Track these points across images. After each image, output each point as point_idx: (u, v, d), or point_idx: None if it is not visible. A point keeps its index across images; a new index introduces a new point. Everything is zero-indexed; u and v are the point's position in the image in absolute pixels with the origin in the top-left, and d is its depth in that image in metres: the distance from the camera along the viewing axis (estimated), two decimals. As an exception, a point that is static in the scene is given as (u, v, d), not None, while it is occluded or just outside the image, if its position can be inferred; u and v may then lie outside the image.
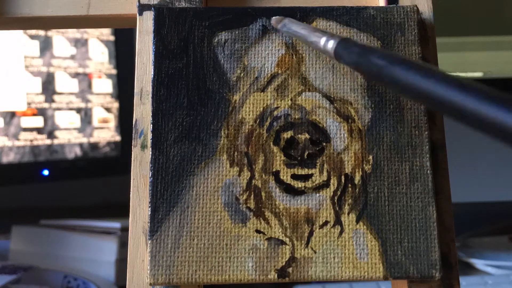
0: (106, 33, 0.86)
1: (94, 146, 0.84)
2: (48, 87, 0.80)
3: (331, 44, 0.28)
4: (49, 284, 0.61)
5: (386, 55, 0.22)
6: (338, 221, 0.32)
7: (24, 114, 0.78)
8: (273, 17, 0.34)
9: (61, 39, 0.82)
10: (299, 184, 0.32)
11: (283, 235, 0.32)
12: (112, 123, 0.86)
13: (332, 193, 0.32)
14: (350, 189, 0.32)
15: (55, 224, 0.72)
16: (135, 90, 0.34)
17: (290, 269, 0.31)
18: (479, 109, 0.17)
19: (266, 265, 0.31)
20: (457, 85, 0.18)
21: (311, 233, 0.32)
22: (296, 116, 0.33)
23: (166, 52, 0.34)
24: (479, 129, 0.17)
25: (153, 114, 0.33)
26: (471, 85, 0.18)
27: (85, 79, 0.84)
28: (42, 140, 0.79)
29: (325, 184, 0.32)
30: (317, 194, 0.32)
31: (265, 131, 0.33)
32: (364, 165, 0.33)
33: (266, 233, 0.32)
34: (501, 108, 0.16)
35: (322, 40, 0.30)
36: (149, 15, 0.35)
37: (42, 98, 0.79)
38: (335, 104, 0.33)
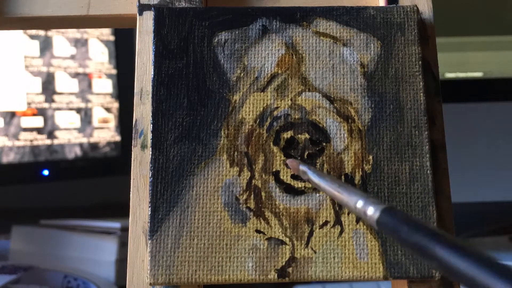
0: (106, 33, 0.86)
1: (94, 146, 0.84)
2: (48, 87, 0.80)
3: (371, 212, 0.24)
4: (49, 284, 0.61)
5: (435, 234, 0.21)
6: (338, 221, 0.32)
7: (24, 114, 0.78)
8: (289, 160, 0.32)
9: (61, 39, 0.82)
10: (299, 184, 0.32)
11: (283, 235, 0.32)
12: (112, 123, 0.86)
13: (332, 193, 0.32)
14: (350, 189, 0.32)
15: (55, 224, 0.72)
16: (135, 90, 0.34)
17: (290, 269, 0.31)
18: None
19: (266, 265, 0.31)
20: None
21: (311, 233, 0.32)
22: (296, 116, 0.33)
23: (166, 52, 0.34)
24: None
25: (153, 114, 0.33)
26: None
27: (85, 79, 0.84)
28: (42, 140, 0.79)
29: (325, 184, 0.32)
30: (317, 194, 0.32)
31: (265, 131, 0.33)
32: (364, 165, 0.33)
33: (266, 233, 0.32)
34: None
35: (359, 204, 0.26)
36: (149, 15, 0.35)
37: (42, 98, 0.79)
38: (335, 104, 0.33)
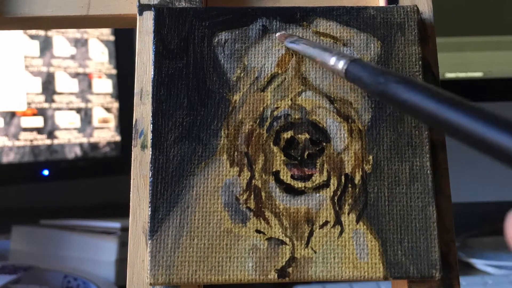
0: (106, 33, 0.86)
1: (94, 146, 0.84)
2: (48, 87, 0.80)
3: (341, 64, 0.28)
4: (49, 284, 0.61)
5: (400, 78, 0.23)
6: (338, 221, 0.32)
7: (24, 114, 0.78)
8: (278, 33, 0.34)
9: (61, 39, 0.82)
10: (299, 184, 0.32)
11: (283, 235, 0.32)
12: (112, 123, 0.86)
13: (332, 193, 0.32)
14: (350, 189, 0.32)
15: (55, 224, 0.72)
16: (135, 90, 0.34)
17: (290, 269, 0.31)
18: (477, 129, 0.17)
19: (266, 265, 0.31)
20: (464, 110, 0.18)
21: (311, 233, 0.32)
22: (296, 116, 0.33)
23: (166, 52, 0.34)
24: (480, 149, 0.18)
25: (153, 114, 0.33)
26: (478, 109, 0.18)
27: (85, 79, 0.84)
28: (42, 140, 0.79)
29: (325, 184, 0.32)
30: (317, 194, 0.32)
31: (265, 131, 0.33)
32: (364, 165, 0.33)
33: (266, 233, 0.32)
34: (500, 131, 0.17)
35: (332, 60, 0.29)
36: (149, 15, 0.35)
37: (42, 98, 0.79)
38: (335, 104, 0.33)
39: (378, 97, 0.24)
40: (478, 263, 0.70)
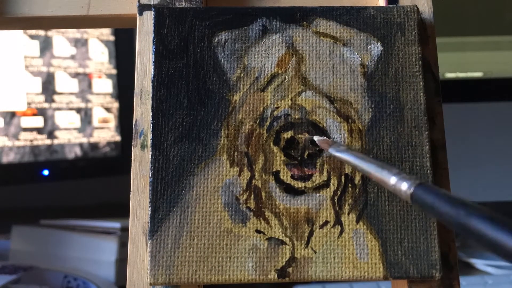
0: (106, 33, 0.86)
1: (94, 146, 0.84)
2: (48, 87, 0.80)
3: (405, 187, 0.26)
4: (49, 284, 0.61)
5: (469, 206, 0.22)
6: (338, 221, 0.32)
7: (24, 114, 0.78)
8: (318, 138, 0.32)
9: (61, 39, 0.82)
10: (299, 184, 0.32)
11: (283, 235, 0.32)
12: (112, 123, 0.86)
13: (332, 193, 0.32)
14: (350, 189, 0.32)
15: (55, 224, 0.72)
16: (135, 90, 0.34)
17: (290, 269, 0.31)
18: None
19: (266, 265, 0.31)
20: None
21: (311, 233, 0.32)
22: (296, 116, 0.33)
23: (166, 52, 0.34)
24: None
25: (153, 114, 0.33)
26: None
27: (85, 79, 0.84)
28: (42, 140, 0.79)
29: (325, 184, 0.32)
30: (317, 194, 0.32)
31: (265, 131, 0.33)
32: (364, 165, 0.33)
33: (266, 233, 0.32)
34: None
35: (393, 180, 0.27)
36: (149, 15, 0.35)
37: (42, 98, 0.79)
38: (335, 104, 0.33)
39: (455, 227, 0.23)
40: (478, 263, 0.70)
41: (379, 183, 0.29)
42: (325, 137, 0.32)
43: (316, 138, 0.32)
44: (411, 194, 0.25)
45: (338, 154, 0.31)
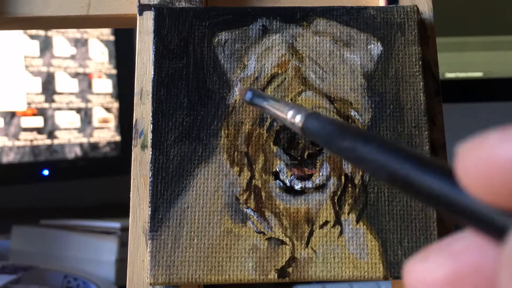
0: (106, 33, 0.86)
1: (94, 146, 0.84)
2: (48, 87, 0.80)
3: (298, 119, 0.27)
4: (49, 284, 0.61)
5: (359, 134, 0.21)
6: (338, 221, 0.32)
7: (24, 114, 0.78)
8: (238, 87, 0.32)
9: (61, 39, 0.82)
10: (299, 184, 0.32)
11: (283, 235, 0.32)
12: (112, 123, 0.86)
13: (332, 193, 0.32)
14: (350, 189, 0.32)
15: (55, 224, 0.72)
16: (135, 90, 0.34)
17: (290, 269, 0.31)
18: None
19: (266, 265, 0.31)
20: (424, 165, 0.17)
21: (311, 233, 0.32)
22: (296, 116, 0.33)
23: (166, 52, 0.34)
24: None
25: (153, 114, 0.33)
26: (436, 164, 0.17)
27: (85, 79, 0.84)
28: (42, 140, 0.79)
29: (325, 184, 0.32)
30: (317, 194, 0.32)
31: (265, 131, 0.33)
32: (364, 165, 0.33)
33: (266, 233, 0.32)
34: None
35: (289, 114, 0.26)
36: (149, 15, 0.35)
37: (42, 98, 0.79)
38: (335, 104, 0.33)
39: (341, 155, 0.23)
40: (478, 263, 0.69)
41: (281, 121, 0.28)
42: (244, 86, 0.32)
43: (238, 87, 0.32)
44: (302, 125, 0.25)
45: (248, 102, 0.30)
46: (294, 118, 0.26)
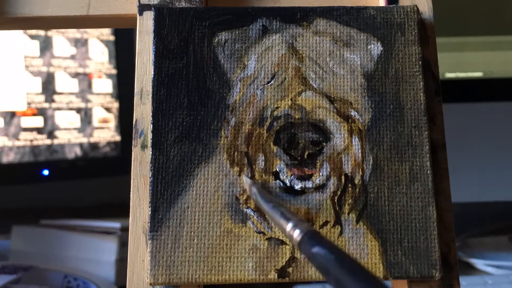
0: (106, 33, 0.86)
1: (94, 146, 0.84)
2: (48, 87, 0.80)
3: (296, 234, 0.26)
4: (49, 284, 0.61)
5: (350, 268, 0.23)
6: (338, 221, 0.32)
7: (24, 114, 0.78)
8: (246, 179, 0.32)
9: (61, 39, 0.82)
10: (299, 184, 0.32)
11: (283, 235, 0.32)
12: (112, 123, 0.86)
13: (332, 193, 0.32)
14: (350, 189, 0.32)
15: (55, 224, 0.72)
16: (135, 90, 0.34)
17: (290, 269, 0.31)
18: None
19: (266, 265, 0.31)
20: None
21: (311, 233, 0.32)
22: (296, 116, 0.33)
23: (166, 52, 0.34)
24: None
25: (153, 114, 0.33)
26: None
27: (85, 79, 0.84)
28: (42, 140, 0.79)
29: (325, 184, 0.32)
30: (317, 194, 0.32)
31: (265, 131, 0.33)
32: (364, 165, 0.33)
33: (266, 233, 0.32)
34: None
35: (288, 226, 0.27)
36: (149, 15, 0.35)
37: (42, 98, 0.79)
38: (335, 104, 0.33)
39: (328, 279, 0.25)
40: (478, 263, 0.70)
41: (279, 228, 0.29)
42: (251, 180, 0.32)
43: (244, 178, 0.32)
44: (299, 241, 0.26)
45: (253, 197, 0.32)
46: (293, 232, 0.27)
